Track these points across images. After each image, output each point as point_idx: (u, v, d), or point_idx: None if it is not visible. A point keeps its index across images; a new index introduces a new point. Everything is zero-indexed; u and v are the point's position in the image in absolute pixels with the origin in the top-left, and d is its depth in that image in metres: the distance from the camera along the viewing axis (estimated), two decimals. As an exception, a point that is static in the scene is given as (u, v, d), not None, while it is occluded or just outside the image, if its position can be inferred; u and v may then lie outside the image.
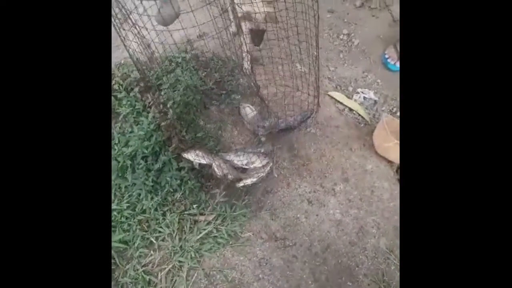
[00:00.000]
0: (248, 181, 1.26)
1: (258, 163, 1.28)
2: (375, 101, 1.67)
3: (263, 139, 1.38)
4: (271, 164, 1.30)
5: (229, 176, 1.25)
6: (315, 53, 1.24)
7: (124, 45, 1.11)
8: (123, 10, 1.11)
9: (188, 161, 1.24)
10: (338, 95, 1.61)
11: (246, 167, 1.31)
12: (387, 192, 1.33)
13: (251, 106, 1.43)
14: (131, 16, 1.11)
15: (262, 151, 1.34)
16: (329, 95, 1.61)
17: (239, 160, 1.32)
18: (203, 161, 1.26)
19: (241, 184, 1.26)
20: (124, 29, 1.08)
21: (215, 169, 1.24)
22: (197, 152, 1.26)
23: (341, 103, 1.60)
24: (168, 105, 1.32)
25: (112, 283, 1.11)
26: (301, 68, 1.56)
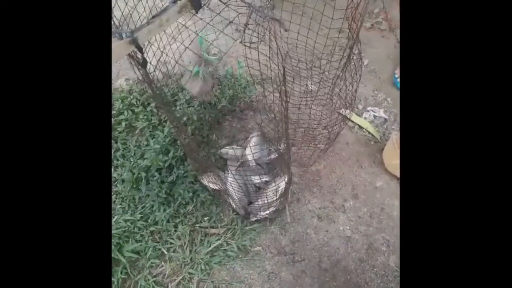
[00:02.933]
0: (260, 216, 1.25)
1: (271, 195, 1.27)
2: (385, 119, 1.69)
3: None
4: (286, 203, 1.29)
5: (242, 211, 1.25)
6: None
7: (151, 87, 1.17)
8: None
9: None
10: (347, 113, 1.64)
11: (261, 185, 1.32)
12: (397, 209, 1.33)
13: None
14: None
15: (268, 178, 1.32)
16: (339, 113, 1.64)
17: (255, 178, 1.33)
18: (216, 187, 1.28)
19: (253, 218, 1.26)
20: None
21: (229, 200, 1.25)
22: (210, 178, 1.28)
23: (351, 120, 1.62)
24: (184, 119, 1.37)
25: (124, 293, 1.13)
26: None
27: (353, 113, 1.64)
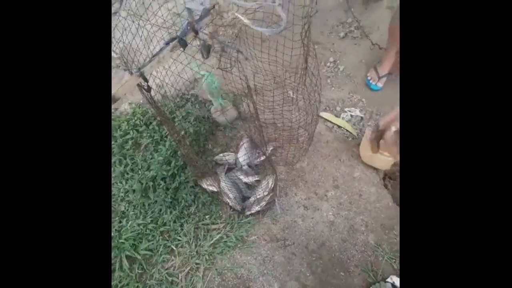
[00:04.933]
0: (254, 210, 1.45)
1: (262, 191, 1.48)
2: (361, 118, 1.89)
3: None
4: (275, 197, 1.49)
5: (238, 207, 1.45)
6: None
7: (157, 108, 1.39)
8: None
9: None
10: (327, 115, 1.84)
11: (251, 184, 1.53)
12: (374, 195, 1.51)
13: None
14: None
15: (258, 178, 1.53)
16: (319, 115, 1.84)
17: (246, 178, 1.55)
18: (214, 189, 1.49)
19: (248, 212, 1.46)
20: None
21: (226, 199, 1.45)
22: (208, 181, 1.49)
23: (330, 121, 1.82)
24: (182, 133, 1.59)
25: (141, 285, 1.32)
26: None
27: (331, 115, 1.84)
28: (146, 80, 0.82)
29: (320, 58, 2.18)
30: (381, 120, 0.65)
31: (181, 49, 0.83)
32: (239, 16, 0.78)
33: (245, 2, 0.78)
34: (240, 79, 0.92)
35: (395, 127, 0.61)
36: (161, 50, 0.82)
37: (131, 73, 0.80)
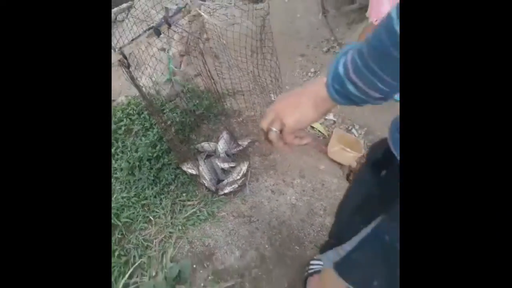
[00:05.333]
0: (226, 191, 1.64)
1: (235, 175, 1.68)
2: (334, 121, 2.09)
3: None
4: (246, 181, 1.68)
5: (213, 187, 1.64)
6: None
7: (136, 86, 1.61)
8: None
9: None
10: (302, 117, 2.05)
11: (227, 170, 1.72)
12: (335, 185, 1.68)
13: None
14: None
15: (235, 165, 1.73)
16: (295, 116, 2.05)
17: (223, 164, 1.74)
18: (193, 172, 1.69)
19: (221, 193, 1.65)
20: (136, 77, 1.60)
21: (203, 180, 1.65)
22: (188, 165, 1.69)
23: (305, 122, 2.02)
24: (168, 123, 1.79)
25: (119, 248, 1.48)
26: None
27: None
28: (125, 57, 1.04)
29: (303, 68, 2.42)
30: (261, 123, 0.68)
31: (155, 36, 1.06)
32: (201, 12, 1.01)
33: (207, 2, 1.01)
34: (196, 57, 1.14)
35: (275, 129, 0.64)
36: (139, 35, 1.05)
37: (114, 50, 1.02)
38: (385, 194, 0.66)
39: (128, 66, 1.07)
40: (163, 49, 1.92)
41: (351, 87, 0.52)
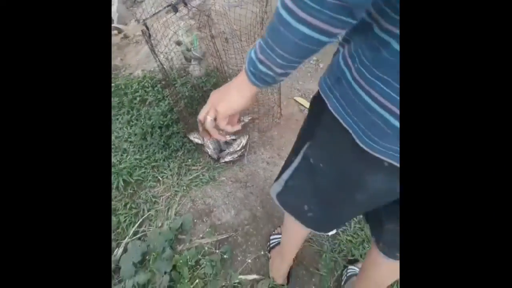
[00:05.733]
0: (227, 159, 1.85)
1: (236, 147, 1.88)
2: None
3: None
4: (245, 152, 1.89)
5: (215, 156, 1.85)
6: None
7: (155, 54, 1.80)
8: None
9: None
10: (301, 100, 2.23)
11: (229, 141, 1.92)
12: (325, 162, 1.88)
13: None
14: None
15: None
16: (294, 99, 2.23)
17: (227, 137, 1.94)
18: (199, 141, 1.89)
19: (222, 161, 1.85)
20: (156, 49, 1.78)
21: (207, 149, 1.85)
22: (195, 134, 1.89)
23: (303, 105, 2.21)
24: (179, 95, 1.99)
25: (130, 201, 1.70)
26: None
27: (304, 100, 2.22)
28: (147, 28, 1.22)
29: (306, 56, 2.58)
30: (198, 116, 0.74)
31: (174, 12, 1.24)
32: None
33: None
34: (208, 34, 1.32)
35: (210, 117, 0.71)
36: (160, 10, 1.23)
37: (138, 22, 1.21)
38: (312, 126, 0.76)
39: (149, 36, 1.26)
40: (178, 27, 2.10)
41: (261, 67, 0.58)
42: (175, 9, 1.19)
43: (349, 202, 0.79)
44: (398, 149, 0.58)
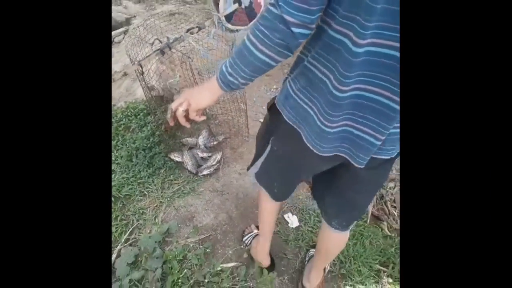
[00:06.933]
0: (204, 173, 2.16)
1: (212, 162, 2.20)
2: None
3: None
4: (220, 166, 2.21)
5: (194, 170, 2.15)
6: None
7: (147, 87, 2.12)
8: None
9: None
10: (265, 121, 2.60)
11: (205, 158, 2.23)
12: (287, 170, 2.23)
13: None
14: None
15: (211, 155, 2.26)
16: (259, 121, 2.60)
17: (202, 153, 2.25)
18: (178, 159, 2.19)
19: (200, 174, 2.16)
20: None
21: (186, 165, 2.15)
22: (175, 154, 2.20)
23: (267, 125, 2.58)
24: (160, 122, 2.30)
25: (120, 214, 1.93)
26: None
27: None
28: (141, 66, 1.55)
29: (267, 85, 3.01)
30: (172, 104, 0.94)
31: (161, 54, 1.58)
32: (190, 41, 1.55)
33: (195, 35, 1.55)
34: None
35: (182, 108, 0.91)
36: (150, 54, 1.57)
37: (133, 63, 1.54)
38: (274, 124, 1.04)
39: (142, 73, 1.59)
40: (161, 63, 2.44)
41: (229, 77, 0.80)
42: (162, 52, 1.53)
43: (297, 177, 1.14)
44: (334, 146, 0.90)
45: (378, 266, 1.75)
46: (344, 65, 0.76)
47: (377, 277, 1.70)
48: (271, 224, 1.51)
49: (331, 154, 0.92)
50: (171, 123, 1.00)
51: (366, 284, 1.67)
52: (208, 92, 0.88)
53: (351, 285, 1.66)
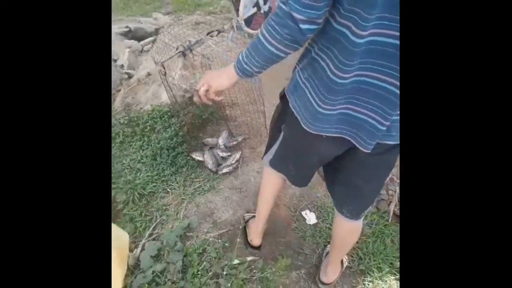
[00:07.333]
0: (224, 171, 2.22)
1: (231, 161, 2.27)
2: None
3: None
4: (239, 165, 2.27)
5: (214, 169, 2.22)
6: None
7: (169, 87, 2.23)
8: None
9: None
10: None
11: (225, 157, 2.30)
12: (306, 169, 2.24)
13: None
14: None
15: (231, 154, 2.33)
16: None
17: (222, 153, 2.32)
18: (200, 159, 2.28)
19: (220, 173, 2.23)
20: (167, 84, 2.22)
21: (207, 164, 2.23)
22: (197, 153, 2.28)
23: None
24: (183, 123, 2.40)
25: (145, 210, 2.03)
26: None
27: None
28: (164, 67, 1.65)
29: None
30: (197, 85, 1.05)
31: (182, 56, 1.68)
32: (210, 43, 1.63)
33: (214, 38, 1.63)
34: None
35: (203, 88, 1.02)
36: (173, 55, 1.67)
37: (156, 64, 1.64)
38: (284, 113, 1.12)
39: (165, 74, 1.68)
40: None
41: (245, 66, 0.90)
42: (184, 54, 1.62)
43: (308, 163, 1.17)
44: (328, 126, 0.95)
45: (399, 264, 1.71)
46: (344, 53, 0.81)
47: (397, 274, 1.67)
48: (268, 203, 1.56)
49: (333, 135, 0.96)
50: (198, 102, 1.10)
51: (386, 281, 1.64)
52: (226, 77, 0.99)
53: (370, 281, 1.63)
